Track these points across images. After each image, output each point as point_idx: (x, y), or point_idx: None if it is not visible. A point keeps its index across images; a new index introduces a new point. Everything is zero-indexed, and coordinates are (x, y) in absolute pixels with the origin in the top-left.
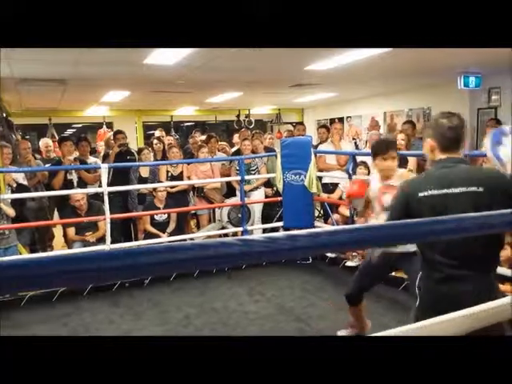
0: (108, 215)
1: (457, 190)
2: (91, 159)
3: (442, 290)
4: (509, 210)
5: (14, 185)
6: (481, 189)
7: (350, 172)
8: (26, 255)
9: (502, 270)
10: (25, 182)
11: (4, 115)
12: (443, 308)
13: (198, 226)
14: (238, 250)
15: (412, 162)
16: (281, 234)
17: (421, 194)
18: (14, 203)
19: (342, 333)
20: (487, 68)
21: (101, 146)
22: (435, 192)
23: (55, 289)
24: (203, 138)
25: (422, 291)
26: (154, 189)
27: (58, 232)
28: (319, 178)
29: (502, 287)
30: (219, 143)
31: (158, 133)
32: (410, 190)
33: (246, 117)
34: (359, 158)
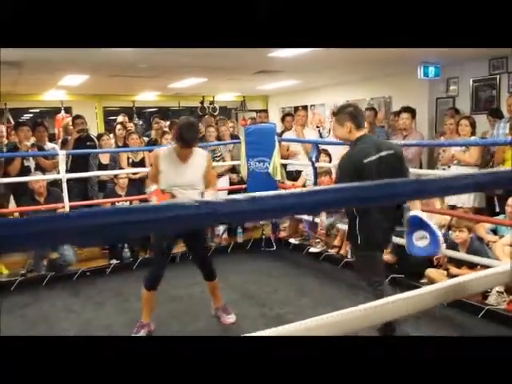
0: (67, 203)
1: (384, 154)
2: (49, 145)
3: (375, 229)
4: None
5: None
6: (392, 151)
7: (314, 160)
8: None
9: (458, 255)
10: None
11: None
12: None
13: None
14: (197, 211)
15: None
16: (242, 195)
17: (365, 160)
18: None
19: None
20: (446, 58)
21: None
22: (373, 157)
23: (13, 278)
24: (167, 124)
25: (363, 232)
26: (115, 176)
27: None
28: (283, 166)
29: (458, 271)
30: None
31: (120, 118)
32: (355, 158)
33: (211, 103)
34: (321, 146)
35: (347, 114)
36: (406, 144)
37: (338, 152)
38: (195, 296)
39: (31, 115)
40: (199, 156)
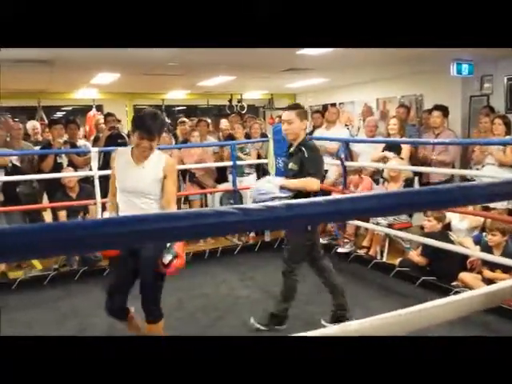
0: (99, 199)
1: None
2: (81, 142)
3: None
4: None
5: (10, 164)
6: None
7: (343, 158)
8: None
9: (492, 258)
10: (18, 164)
11: None
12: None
13: None
14: (236, 218)
15: (406, 149)
16: (279, 202)
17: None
18: (7, 185)
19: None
20: (479, 55)
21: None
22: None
23: (46, 273)
24: (191, 122)
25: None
26: None
27: (47, 216)
28: None
29: (492, 275)
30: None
31: None
32: (320, 152)
33: (239, 101)
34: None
35: (306, 113)
36: (437, 142)
37: (364, 150)
38: (223, 293)
39: (64, 113)
40: (158, 158)
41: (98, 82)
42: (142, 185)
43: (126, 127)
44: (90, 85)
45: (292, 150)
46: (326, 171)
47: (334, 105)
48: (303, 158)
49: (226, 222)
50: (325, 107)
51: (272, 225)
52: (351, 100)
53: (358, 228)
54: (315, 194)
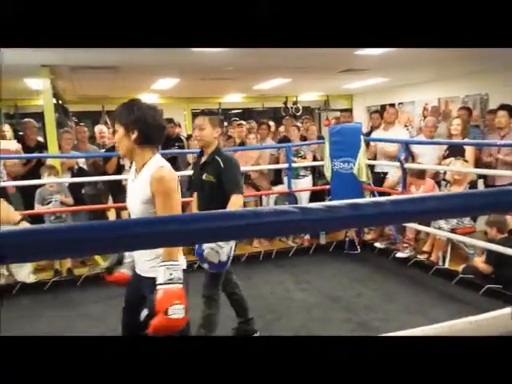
0: None
1: None
2: None
3: None
4: None
5: (76, 167)
6: None
7: (402, 160)
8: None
9: None
10: (84, 166)
11: (60, 102)
12: None
13: None
14: (296, 217)
15: (470, 151)
16: (340, 202)
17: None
18: (73, 186)
19: None
20: None
21: None
22: None
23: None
24: (249, 124)
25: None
26: None
27: (111, 216)
28: (370, 167)
29: None
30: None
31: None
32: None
33: (294, 104)
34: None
35: (220, 120)
36: (504, 144)
37: (425, 152)
38: (279, 295)
39: None
40: (150, 168)
41: (159, 87)
42: (131, 206)
43: (184, 131)
44: (151, 90)
45: (205, 159)
46: (386, 173)
47: (392, 105)
48: (220, 170)
49: (285, 221)
50: (383, 107)
51: (333, 225)
52: (411, 100)
53: (418, 232)
54: None
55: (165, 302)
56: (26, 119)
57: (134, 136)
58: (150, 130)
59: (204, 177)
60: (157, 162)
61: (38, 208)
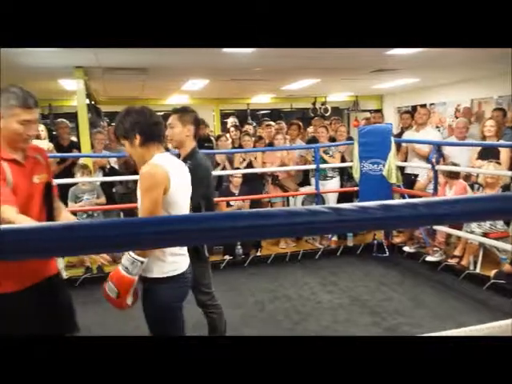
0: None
1: None
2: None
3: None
4: None
5: (108, 166)
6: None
7: (433, 161)
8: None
9: None
10: (115, 166)
11: (93, 103)
12: None
13: None
14: (329, 218)
15: (504, 153)
16: (373, 202)
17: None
18: (104, 185)
19: None
20: None
21: None
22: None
23: None
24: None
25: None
26: (230, 174)
27: None
28: (400, 168)
29: None
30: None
31: (231, 120)
32: (207, 166)
33: (322, 104)
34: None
35: (193, 117)
36: None
37: (456, 153)
38: (304, 297)
39: None
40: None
41: (189, 88)
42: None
43: (214, 132)
44: (181, 91)
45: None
46: (416, 175)
47: (424, 106)
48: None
49: (318, 221)
50: (414, 108)
51: (366, 226)
52: (443, 100)
53: (449, 236)
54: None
55: (112, 275)
56: (59, 119)
57: (137, 141)
58: (148, 128)
59: None
60: (152, 160)
61: (71, 206)
